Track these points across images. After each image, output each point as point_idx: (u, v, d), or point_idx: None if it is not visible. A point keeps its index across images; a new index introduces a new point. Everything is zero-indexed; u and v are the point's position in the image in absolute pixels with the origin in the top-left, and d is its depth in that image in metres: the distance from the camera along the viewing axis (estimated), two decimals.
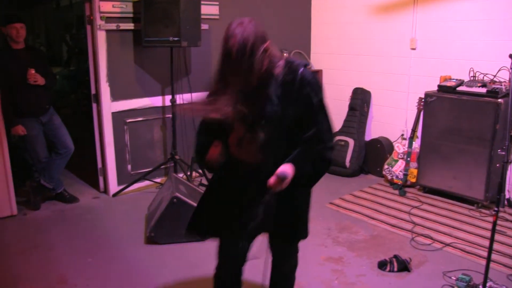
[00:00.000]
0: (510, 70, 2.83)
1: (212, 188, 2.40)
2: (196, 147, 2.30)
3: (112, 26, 4.51)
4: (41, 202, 4.53)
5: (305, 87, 2.02)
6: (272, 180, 1.98)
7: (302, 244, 3.49)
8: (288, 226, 2.29)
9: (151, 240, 3.74)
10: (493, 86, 4.27)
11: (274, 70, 2.01)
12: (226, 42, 1.91)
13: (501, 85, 4.26)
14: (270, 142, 2.06)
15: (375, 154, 5.52)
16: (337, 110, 6.02)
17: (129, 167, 4.95)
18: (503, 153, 2.75)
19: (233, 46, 1.86)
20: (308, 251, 3.63)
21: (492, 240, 2.71)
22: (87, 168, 5.39)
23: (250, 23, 1.92)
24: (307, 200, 2.33)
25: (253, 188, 2.14)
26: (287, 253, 2.48)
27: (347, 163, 5.43)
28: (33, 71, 4.11)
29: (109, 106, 4.68)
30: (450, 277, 3.19)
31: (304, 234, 2.37)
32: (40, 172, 4.48)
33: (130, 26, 4.64)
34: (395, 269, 3.32)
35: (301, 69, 2.04)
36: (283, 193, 2.05)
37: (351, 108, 5.70)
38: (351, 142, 5.50)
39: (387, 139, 5.55)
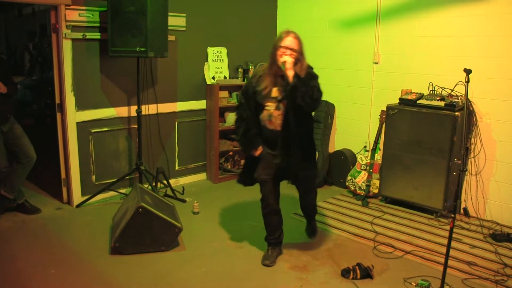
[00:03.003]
0: (465, 84, 2.96)
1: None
2: (241, 129, 3.57)
3: (78, 35, 4.48)
4: (0, 213, 4.40)
5: (310, 80, 3.34)
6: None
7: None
8: (303, 168, 3.59)
9: (115, 250, 3.70)
10: (451, 99, 4.45)
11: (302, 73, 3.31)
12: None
13: (458, 99, 4.45)
14: (289, 116, 3.35)
15: (338, 166, 5.64)
16: None
17: (94, 177, 4.90)
18: (459, 161, 2.87)
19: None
20: None
21: (449, 245, 2.82)
22: (50, 179, 5.30)
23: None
24: (314, 149, 3.72)
25: (278, 148, 3.46)
26: (308, 187, 3.92)
27: None
28: None
29: (74, 116, 4.63)
30: (410, 283, 3.29)
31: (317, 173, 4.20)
32: (0, 182, 4.37)
33: (97, 35, 4.62)
34: (358, 276, 3.39)
35: (309, 69, 3.44)
36: (297, 145, 3.43)
37: (315, 120, 5.79)
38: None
39: (350, 151, 5.67)
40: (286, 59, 3.22)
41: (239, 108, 3.65)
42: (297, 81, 3.18)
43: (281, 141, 3.43)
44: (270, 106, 3.41)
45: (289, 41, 3.29)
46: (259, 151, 3.54)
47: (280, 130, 3.41)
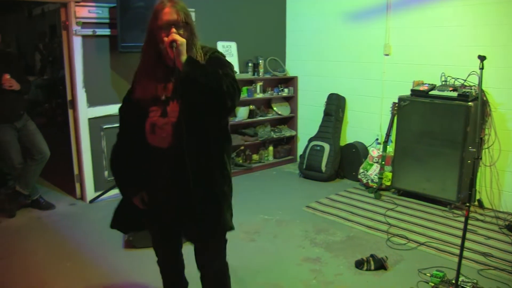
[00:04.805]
0: (479, 71, 2.92)
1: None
2: (116, 163, 2.37)
3: (88, 31, 4.50)
4: (16, 209, 4.46)
5: (218, 66, 2.13)
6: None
7: (281, 246, 3.53)
8: (206, 221, 2.18)
9: (129, 244, 3.73)
10: (464, 90, 4.41)
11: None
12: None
13: (471, 89, 4.40)
14: (184, 124, 2.06)
15: (350, 159, 5.61)
16: (312, 116, 6.11)
17: (106, 173, 4.92)
18: (474, 149, 2.84)
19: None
20: (287, 253, 3.67)
21: (464, 234, 2.78)
22: (63, 176, 5.33)
23: None
24: (224, 190, 2.23)
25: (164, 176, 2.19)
26: (213, 250, 2.37)
27: (323, 168, 5.51)
28: (7, 76, 4.04)
29: (85, 112, 4.65)
30: (425, 274, 3.26)
31: (227, 226, 2.25)
32: (15, 179, 4.41)
33: (107, 31, 4.63)
34: (372, 267, 3.38)
35: (216, 54, 2.31)
36: (196, 173, 2.09)
37: (326, 113, 5.79)
38: (326, 147, 5.58)
39: (362, 144, 5.64)
40: (176, 37, 2.01)
41: (120, 126, 2.40)
42: (190, 69, 1.97)
43: (169, 166, 2.16)
44: (154, 113, 2.16)
45: (167, 14, 2.09)
46: (136, 197, 2.31)
47: (168, 148, 2.13)
